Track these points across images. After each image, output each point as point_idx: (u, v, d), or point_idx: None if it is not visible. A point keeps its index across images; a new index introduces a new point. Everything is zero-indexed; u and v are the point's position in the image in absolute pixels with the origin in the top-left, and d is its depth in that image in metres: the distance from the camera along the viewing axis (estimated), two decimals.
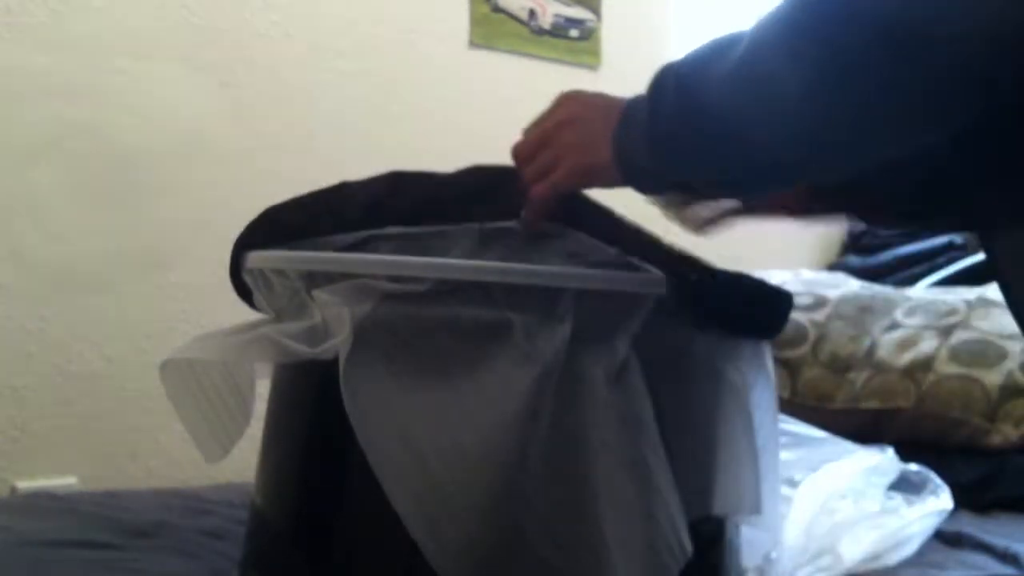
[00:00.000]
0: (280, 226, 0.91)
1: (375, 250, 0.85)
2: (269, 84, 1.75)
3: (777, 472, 0.95)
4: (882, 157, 0.68)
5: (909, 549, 1.22)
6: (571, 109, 0.83)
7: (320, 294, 0.77)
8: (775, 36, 0.66)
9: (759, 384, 0.89)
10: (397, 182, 0.94)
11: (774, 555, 1.05)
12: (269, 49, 1.75)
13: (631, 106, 0.78)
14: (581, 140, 0.80)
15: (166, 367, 0.86)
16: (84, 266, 1.57)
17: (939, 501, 1.30)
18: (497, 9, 2.05)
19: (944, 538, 1.31)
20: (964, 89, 0.59)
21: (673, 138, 0.73)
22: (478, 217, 0.85)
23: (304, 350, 0.76)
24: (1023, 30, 0.55)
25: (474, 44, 2.02)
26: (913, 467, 1.37)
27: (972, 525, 1.39)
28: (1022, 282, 0.71)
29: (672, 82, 0.74)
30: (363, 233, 0.87)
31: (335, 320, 0.75)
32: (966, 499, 1.46)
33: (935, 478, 1.35)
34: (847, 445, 1.37)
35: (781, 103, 0.65)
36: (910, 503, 1.27)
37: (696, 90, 0.71)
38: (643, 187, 0.82)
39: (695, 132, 0.71)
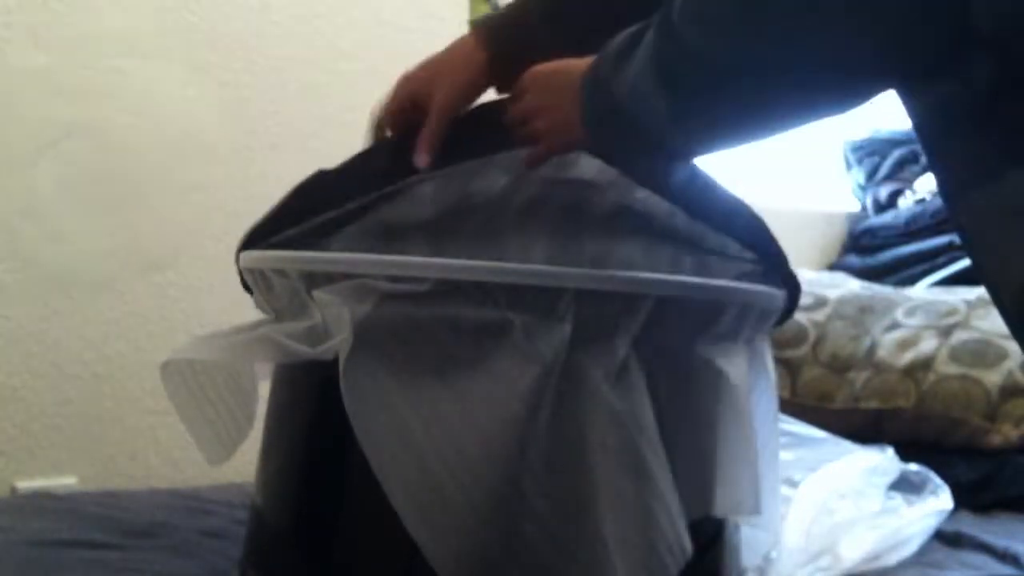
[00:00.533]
0: (320, 191, 0.92)
1: (419, 194, 0.87)
2: (269, 84, 1.75)
3: (777, 472, 0.95)
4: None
5: (909, 549, 1.22)
6: (537, 100, 0.84)
7: (320, 294, 0.77)
8: None
9: (759, 384, 0.89)
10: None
11: (774, 555, 1.05)
12: (269, 49, 1.75)
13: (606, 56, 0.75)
14: (554, 126, 0.83)
15: (166, 367, 0.86)
16: (84, 266, 1.57)
17: (939, 501, 1.30)
18: (497, 9, 2.05)
19: (944, 538, 1.31)
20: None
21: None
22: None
23: (304, 350, 0.76)
24: None
25: None
26: (913, 467, 1.37)
27: (972, 525, 1.39)
28: (990, 252, 0.68)
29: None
30: (402, 183, 0.90)
31: (335, 320, 0.75)
32: (966, 499, 1.46)
33: (935, 478, 1.35)
34: (847, 445, 1.37)
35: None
36: (910, 503, 1.27)
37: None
38: (611, 146, 0.83)
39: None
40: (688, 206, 0.97)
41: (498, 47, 0.92)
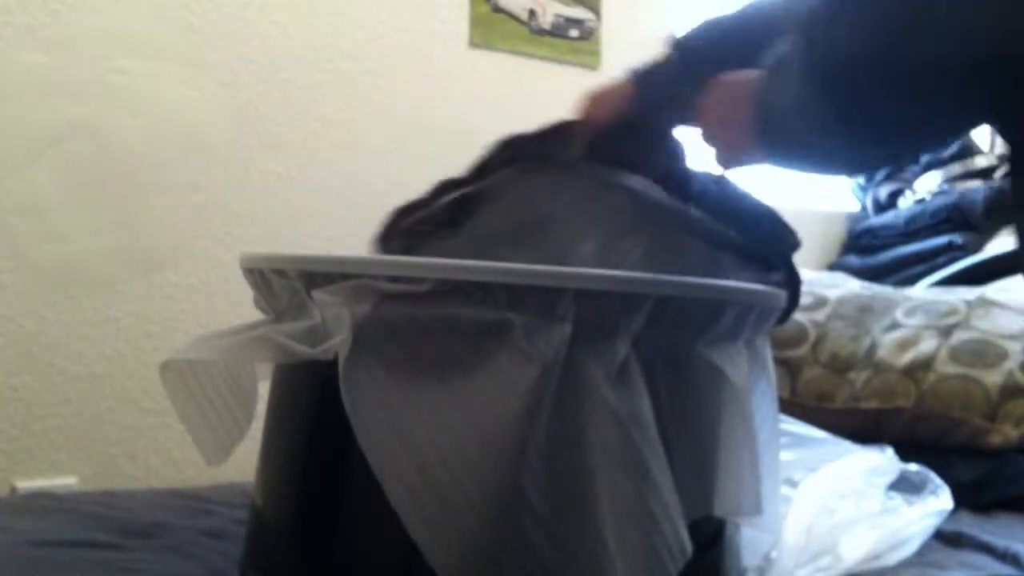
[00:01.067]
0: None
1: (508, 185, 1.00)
2: (269, 84, 1.75)
3: (777, 472, 0.95)
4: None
5: (909, 549, 1.22)
6: (719, 109, 0.93)
7: (320, 294, 0.77)
8: None
9: (759, 384, 0.89)
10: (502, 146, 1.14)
11: (774, 555, 1.05)
12: (269, 49, 1.75)
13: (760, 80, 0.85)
14: (732, 133, 0.91)
15: (166, 367, 0.86)
16: (84, 266, 1.57)
17: (939, 501, 1.30)
18: (497, 9, 2.05)
19: (944, 538, 1.31)
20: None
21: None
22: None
23: (304, 350, 0.76)
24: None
25: (474, 44, 2.02)
26: (913, 467, 1.37)
27: (972, 525, 1.39)
28: None
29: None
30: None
31: (335, 320, 0.75)
32: (966, 499, 1.46)
33: (935, 478, 1.35)
34: (847, 445, 1.37)
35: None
36: (910, 503, 1.27)
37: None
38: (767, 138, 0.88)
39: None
40: (721, 212, 1.07)
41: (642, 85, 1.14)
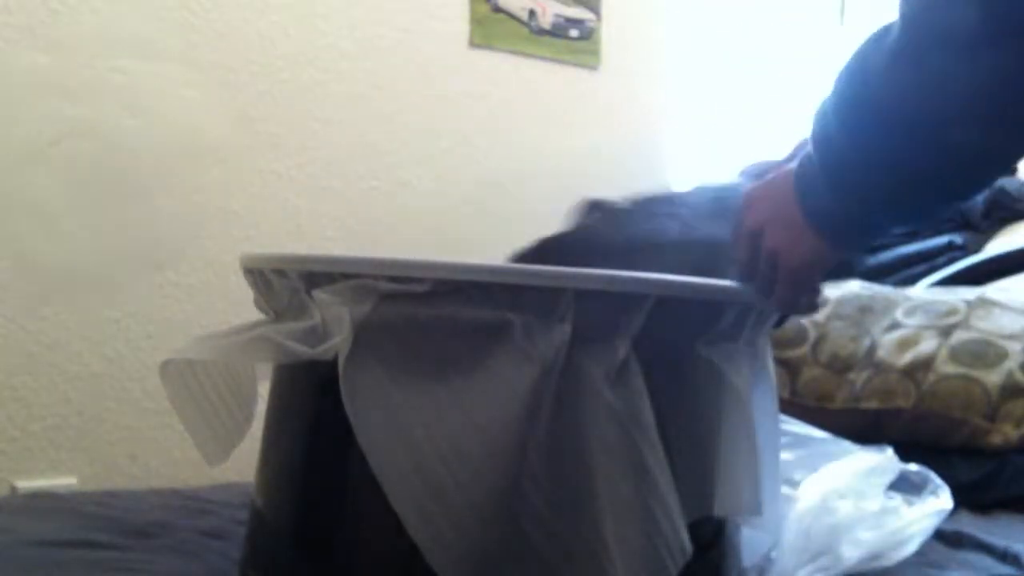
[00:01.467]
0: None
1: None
2: (269, 84, 1.75)
3: (777, 473, 0.95)
4: None
5: (909, 549, 1.22)
6: (757, 216, 0.84)
7: (320, 294, 0.77)
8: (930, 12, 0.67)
9: (759, 385, 0.89)
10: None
11: (774, 555, 1.05)
12: (269, 49, 1.75)
13: (800, 166, 0.80)
14: (781, 243, 0.82)
15: (166, 367, 0.86)
16: (84, 266, 1.57)
17: (939, 501, 1.30)
18: (497, 9, 2.05)
19: (944, 538, 1.31)
20: None
21: (842, 154, 0.74)
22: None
23: (304, 350, 0.76)
24: None
25: (474, 44, 2.02)
26: (913, 467, 1.37)
27: (972, 525, 1.39)
28: None
29: (828, 104, 0.76)
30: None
31: (335, 320, 0.75)
32: (966, 499, 1.46)
33: (935, 478, 1.34)
34: (847, 445, 1.37)
35: (946, 75, 0.66)
36: (910, 503, 1.27)
37: (854, 89, 0.73)
38: (846, 243, 0.82)
39: (863, 134, 0.73)
40: None
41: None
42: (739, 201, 0.88)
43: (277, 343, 0.78)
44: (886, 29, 0.71)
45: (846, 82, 0.73)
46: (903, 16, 0.69)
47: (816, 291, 0.87)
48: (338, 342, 0.74)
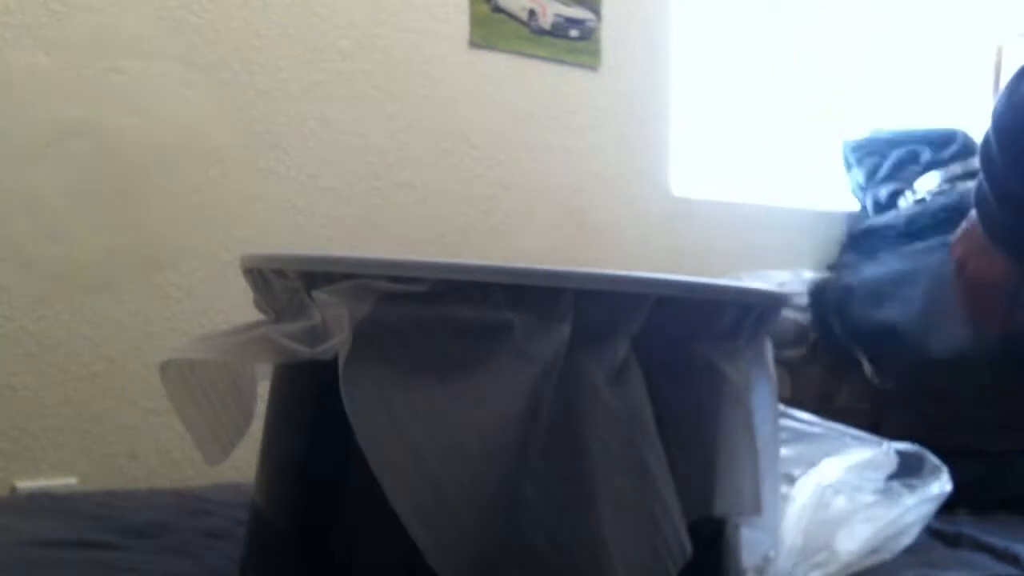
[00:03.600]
0: None
1: None
2: (269, 84, 1.75)
3: (777, 473, 0.95)
4: None
5: (907, 539, 1.21)
6: (959, 253, 1.06)
7: (320, 294, 0.77)
8: None
9: (760, 384, 0.89)
10: None
11: (772, 554, 1.05)
12: (269, 49, 1.75)
13: (976, 196, 0.99)
14: (977, 265, 1.02)
15: (166, 367, 0.86)
16: (84, 266, 1.57)
17: (939, 483, 1.28)
18: (497, 9, 2.05)
19: (944, 538, 1.31)
20: None
21: (1002, 172, 0.90)
22: None
23: (303, 350, 0.76)
24: None
25: (474, 44, 2.02)
26: (906, 447, 1.35)
27: (972, 525, 1.39)
28: None
29: (989, 132, 0.91)
30: None
31: (335, 320, 0.75)
32: (966, 499, 1.46)
33: (931, 457, 1.33)
34: (847, 439, 1.36)
35: None
36: (911, 488, 1.26)
37: (1010, 115, 0.89)
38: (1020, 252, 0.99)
39: (1015, 156, 0.88)
40: None
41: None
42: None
43: (276, 343, 0.78)
44: None
45: (1002, 110, 0.88)
46: None
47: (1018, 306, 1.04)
48: (338, 342, 0.74)
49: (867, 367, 1.75)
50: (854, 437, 1.38)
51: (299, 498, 0.88)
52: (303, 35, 1.79)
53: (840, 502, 1.19)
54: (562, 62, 2.14)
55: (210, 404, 0.87)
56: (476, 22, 2.03)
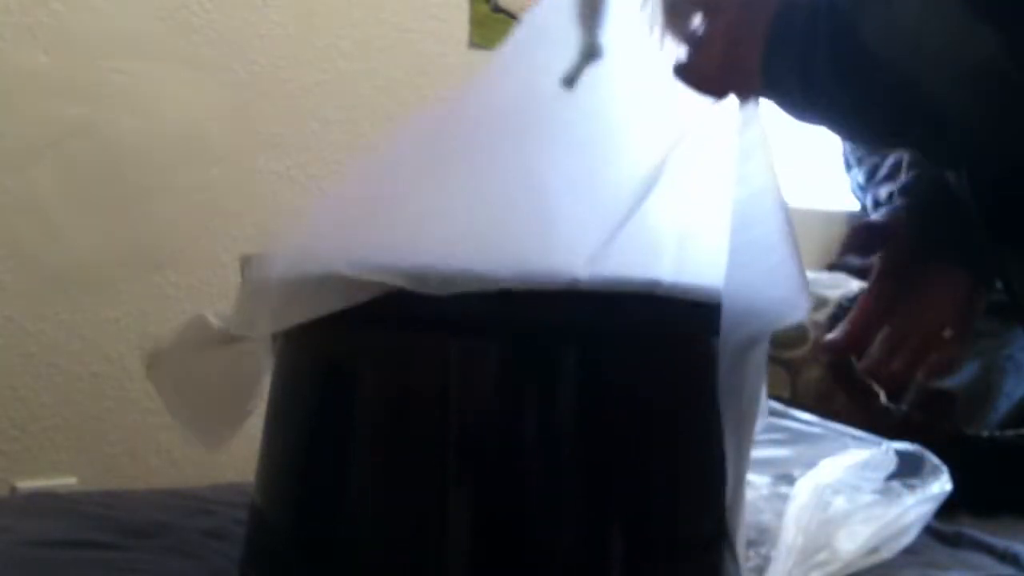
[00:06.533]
0: None
1: None
2: (269, 84, 1.75)
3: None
4: None
5: (907, 538, 1.21)
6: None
7: None
8: None
9: (749, 385, 0.89)
10: None
11: (772, 554, 1.05)
12: (269, 49, 1.75)
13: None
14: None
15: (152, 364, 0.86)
16: (84, 266, 1.57)
17: (938, 483, 1.28)
18: (497, 9, 2.05)
19: (944, 538, 1.31)
20: None
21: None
22: None
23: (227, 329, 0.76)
24: None
25: (474, 44, 2.02)
26: (905, 446, 1.34)
27: (972, 525, 1.39)
28: None
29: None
30: None
31: None
32: (966, 499, 1.45)
33: (931, 457, 1.33)
34: (846, 439, 1.36)
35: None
36: (911, 488, 1.25)
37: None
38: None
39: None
40: None
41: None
42: None
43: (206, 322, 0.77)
44: None
45: None
46: None
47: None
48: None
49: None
50: (854, 437, 1.38)
51: (299, 498, 0.88)
52: (303, 35, 1.79)
53: (840, 502, 1.19)
54: None
55: (200, 389, 0.87)
56: (476, 22, 2.03)
